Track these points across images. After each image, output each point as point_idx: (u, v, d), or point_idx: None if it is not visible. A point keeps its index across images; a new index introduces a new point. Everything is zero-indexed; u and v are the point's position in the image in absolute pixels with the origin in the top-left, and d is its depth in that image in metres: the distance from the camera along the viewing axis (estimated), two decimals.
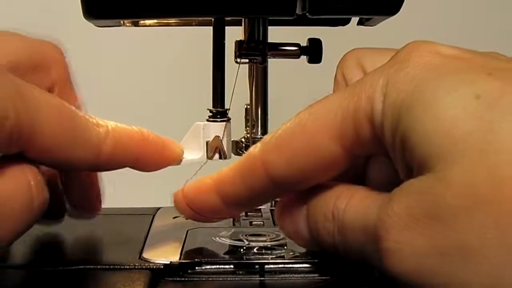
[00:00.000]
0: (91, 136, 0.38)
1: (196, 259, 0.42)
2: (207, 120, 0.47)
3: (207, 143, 0.47)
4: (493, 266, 0.28)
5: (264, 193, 0.38)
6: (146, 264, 0.42)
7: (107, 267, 0.42)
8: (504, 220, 0.27)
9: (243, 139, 0.50)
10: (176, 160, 0.46)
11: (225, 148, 0.47)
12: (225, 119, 0.47)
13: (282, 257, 0.43)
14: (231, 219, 0.51)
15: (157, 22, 0.52)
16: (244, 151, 0.49)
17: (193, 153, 0.47)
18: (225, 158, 0.47)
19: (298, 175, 0.36)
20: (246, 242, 0.45)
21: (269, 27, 0.48)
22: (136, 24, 0.51)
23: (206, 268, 0.42)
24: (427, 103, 0.31)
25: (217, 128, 0.47)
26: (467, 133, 0.29)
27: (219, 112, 0.47)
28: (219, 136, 0.47)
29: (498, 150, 0.28)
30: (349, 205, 0.35)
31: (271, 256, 0.43)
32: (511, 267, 0.27)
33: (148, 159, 0.43)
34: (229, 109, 0.48)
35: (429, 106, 0.30)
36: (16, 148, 0.35)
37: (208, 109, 0.48)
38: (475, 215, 0.28)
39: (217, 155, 0.47)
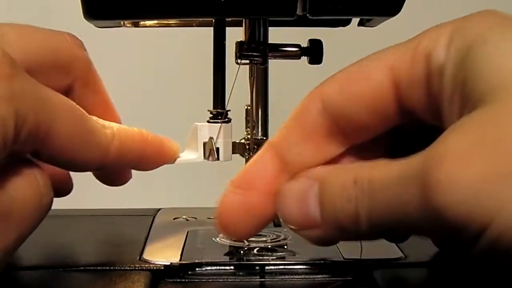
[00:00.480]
0: (100, 137, 0.40)
1: (196, 260, 0.42)
2: (208, 121, 0.48)
3: (204, 144, 0.47)
4: None
5: (321, 136, 0.36)
6: (146, 265, 0.42)
7: (107, 268, 0.42)
8: None
9: (243, 140, 0.50)
10: (173, 157, 0.46)
11: (221, 150, 0.47)
12: (224, 120, 0.47)
13: (283, 258, 0.43)
14: None
15: (157, 23, 0.51)
16: (251, 153, 0.49)
17: (190, 153, 0.48)
18: (218, 159, 0.47)
19: (350, 105, 0.35)
20: (246, 243, 0.45)
21: (270, 28, 0.48)
22: (136, 25, 0.51)
23: (206, 269, 0.42)
24: (499, 41, 0.31)
25: (211, 130, 0.47)
26: None
27: (219, 113, 0.47)
28: (212, 138, 0.47)
29: None
30: (376, 168, 0.32)
31: (272, 257, 0.43)
32: None
33: (149, 158, 0.44)
34: (229, 110, 0.48)
35: (502, 44, 0.31)
36: (31, 148, 0.36)
37: (208, 110, 0.48)
38: None
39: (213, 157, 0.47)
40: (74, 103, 0.38)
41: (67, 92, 0.43)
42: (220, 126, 0.47)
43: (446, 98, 0.32)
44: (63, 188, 0.46)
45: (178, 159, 0.47)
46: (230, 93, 0.47)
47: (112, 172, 0.47)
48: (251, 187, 0.37)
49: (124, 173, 0.47)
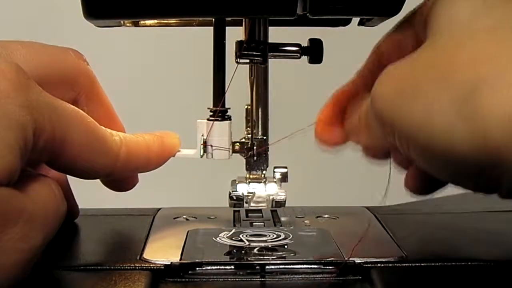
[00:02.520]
0: (111, 144, 0.42)
1: (196, 260, 0.42)
2: (208, 119, 0.48)
3: (205, 141, 0.48)
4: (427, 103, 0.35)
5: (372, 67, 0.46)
6: (146, 265, 0.42)
7: (107, 267, 0.42)
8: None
9: (243, 139, 0.50)
10: (174, 151, 0.48)
11: (215, 147, 0.47)
12: (218, 118, 0.47)
13: (283, 258, 0.43)
14: (232, 219, 0.52)
15: (157, 23, 0.51)
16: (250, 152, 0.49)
17: (188, 151, 0.49)
18: (202, 156, 0.48)
19: (388, 43, 0.46)
20: (247, 243, 0.45)
21: (270, 28, 0.48)
22: (136, 24, 0.51)
23: (206, 269, 0.42)
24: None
25: (207, 127, 0.48)
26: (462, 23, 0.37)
27: (219, 111, 0.47)
28: (203, 135, 0.48)
29: (472, 47, 0.35)
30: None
31: (272, 257, 0.43)
32: (439, 103, 0.34)
33: (154, 160, 0.46)
34: (229, 108, 0.48)
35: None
36: (48, 156, 0.38)
37: (208, 108, 0.48)
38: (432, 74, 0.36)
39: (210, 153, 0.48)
40: (84, 112, 0.40)
41: (73, 105, 0.44)
42: (212, 124, 0.47)
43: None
44: (70, 214, 0.49)
45: (178, 153, 0.48)
46: (226, 91, 0.47)
47: (121, 178, 0.48)
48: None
49: (131, 178, 0.49)
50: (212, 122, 0.48)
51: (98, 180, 0.47)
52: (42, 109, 0.36)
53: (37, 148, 0.36)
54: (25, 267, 0.36)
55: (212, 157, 0.48)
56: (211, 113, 0.48)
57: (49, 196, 0.37)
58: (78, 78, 0.45)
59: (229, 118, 0.48)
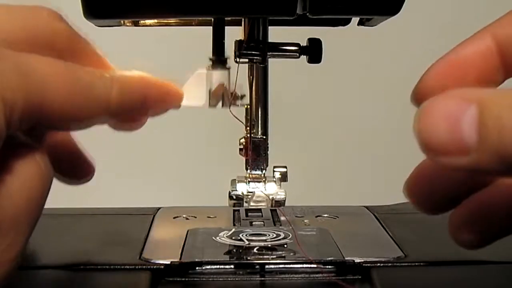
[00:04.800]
0: (99, 89, 0.38)
1: (196, 259, 0.42)
2: (208, 69, 0.46)
3: (210, 91, 0.46)
4: None
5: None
6: (146, 264, 0.42)
7: (107, 267, 0.42)
8: None
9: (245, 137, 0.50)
10: (179, 99, 0.44)
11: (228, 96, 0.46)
12: (226, 68, 0.46)
13: (283, 257, 0.43)
14: (232, 219, 0.52)
15: (157, 22, 0.52)
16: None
17: (195, 100, 0.46)
18: (226, 106, 0.46)
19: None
20: (247, 242, 0.45)
21: (269, 27, 0.48)
22: (136, 24, 0.51)
23: (206, 268, 0.42)
24: None
25: (220, 76, 0.46)
26: None
27: (220, 61, 0.46)
28: (223, 84, 0.46)
29: None
30: None
31: (272, 256, 0.43)
32: None
33: (153, 99, 0.42)
34: (229, 57, 0.47)
35: None
36: (29, 124, 0.35)
37: (209, 58, 0.47)
38: None
39: (220, 104, 0.46)
40: (63, 61, 0.37)
41: None
42: (229, 73, 0.46)
43: None
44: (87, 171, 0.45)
45: (184, 103, 0.44)
46: (234, 93, 0.47)
47: (121, 119, 0.43)
48: (457, 77, 0.32)
49: (138, 117, 0.44)
50: (227, 71, 0.46)
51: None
52: (9, 81, 0.33)
53: (13, 124, 0.33)
54: (12, 272, 0.34)
55: (226, 106, 0.46)
56: (211, 63, 0.46)
57: (32, 174, 0.35)
58: (54, 39, 0.41)
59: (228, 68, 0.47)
